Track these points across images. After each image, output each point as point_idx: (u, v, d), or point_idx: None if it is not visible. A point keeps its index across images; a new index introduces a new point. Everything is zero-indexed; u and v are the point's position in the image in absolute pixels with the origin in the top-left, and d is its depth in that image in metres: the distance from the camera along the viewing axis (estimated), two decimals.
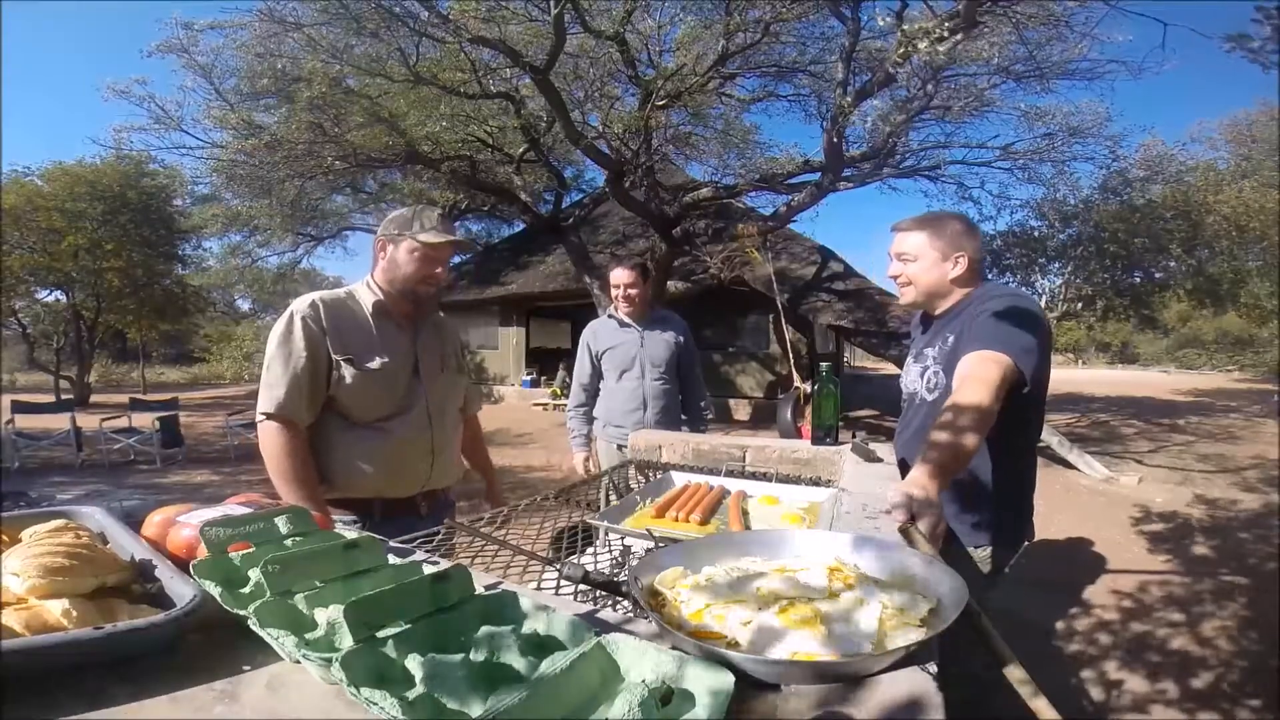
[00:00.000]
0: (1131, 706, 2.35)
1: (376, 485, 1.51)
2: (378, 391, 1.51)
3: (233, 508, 0.82)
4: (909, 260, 1.55)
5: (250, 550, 0.69)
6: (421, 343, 1.61)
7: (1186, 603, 3.31)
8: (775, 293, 7.08)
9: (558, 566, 0.81)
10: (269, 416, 1.43)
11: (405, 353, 1.57)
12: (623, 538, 1.19)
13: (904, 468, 1.54)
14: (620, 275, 2.68)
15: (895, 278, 1.61)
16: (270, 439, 1.43)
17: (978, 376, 1.24)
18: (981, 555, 1.48)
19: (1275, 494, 5.60)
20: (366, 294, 1.58)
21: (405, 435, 1.53)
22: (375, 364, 1.50)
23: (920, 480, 1.01)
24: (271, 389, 1.43)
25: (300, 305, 1.49)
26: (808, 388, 1.84)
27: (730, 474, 1.61)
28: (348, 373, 1.47)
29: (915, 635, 0.61)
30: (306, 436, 1.48)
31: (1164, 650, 2.78)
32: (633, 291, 2.67)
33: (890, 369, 13.64)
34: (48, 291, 14.95)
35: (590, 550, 1.21)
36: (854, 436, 1.79)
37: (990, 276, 11.90)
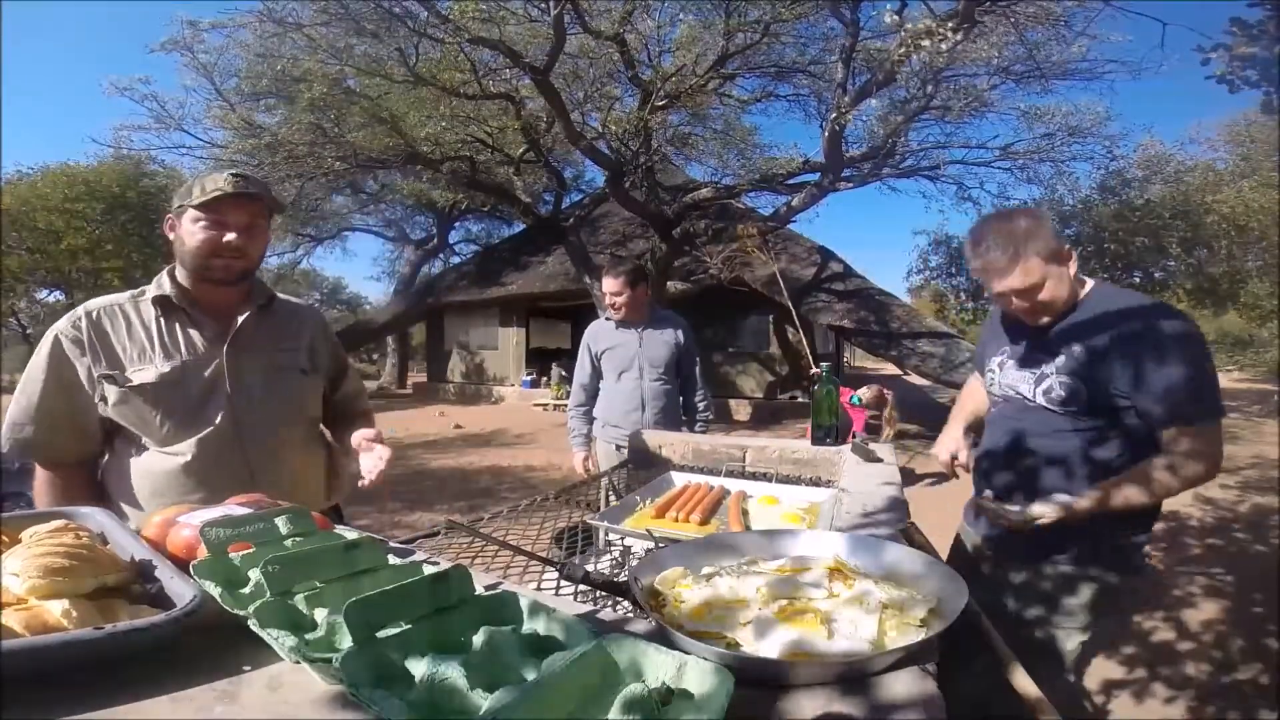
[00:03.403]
0: (1133, 705, 2.35)
1: None
2: (149, 408, 1.23)
3: (233, 508, 0.82)
4: (1035, 291, 1.34)
5: (250, 550, 0.69)
6: (238, 339, 1.31)
7: (1187, 602, 3.31)
8: (779, 293, 7.09)
9: (558, 566, 0.81)
10: (13, 455, 1.23)
11: (203, 355, 1.28)
12: (623, 538, 1.19)
13: (980, 468, 1.54)
14: (606, 284, 2.67)
15: (1024, 311, 1.40)
16: (36, 482, 1.25)
17: (1198, 460, 1.25)
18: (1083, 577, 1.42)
19: (1275, 494, 5.60)
20: (153, 288, 1.30)
21: (200, 461, 1.24)
22: (146, 376, 1.23)
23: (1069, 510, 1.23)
24: (8, 423, 1.21)
25: (61, 322, 1.25)
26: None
27: (730, 474, 1.61)
28: (110, 392, 1.22)
29: (915, 635, 0.61)
30: (79, 474, 1.28)
31: (1165, 649, 2.78)
32: (618, 299, 2.65)
33: (890, 369, 13.61)
34: (47, 292, 14.97)
35: (590, 550, 1.21)
36: (853, 437, 1.79)
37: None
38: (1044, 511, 1.32)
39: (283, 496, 1.25)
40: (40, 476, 1.25)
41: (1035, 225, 1.34)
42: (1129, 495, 1.28)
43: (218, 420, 1.27)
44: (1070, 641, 1.41)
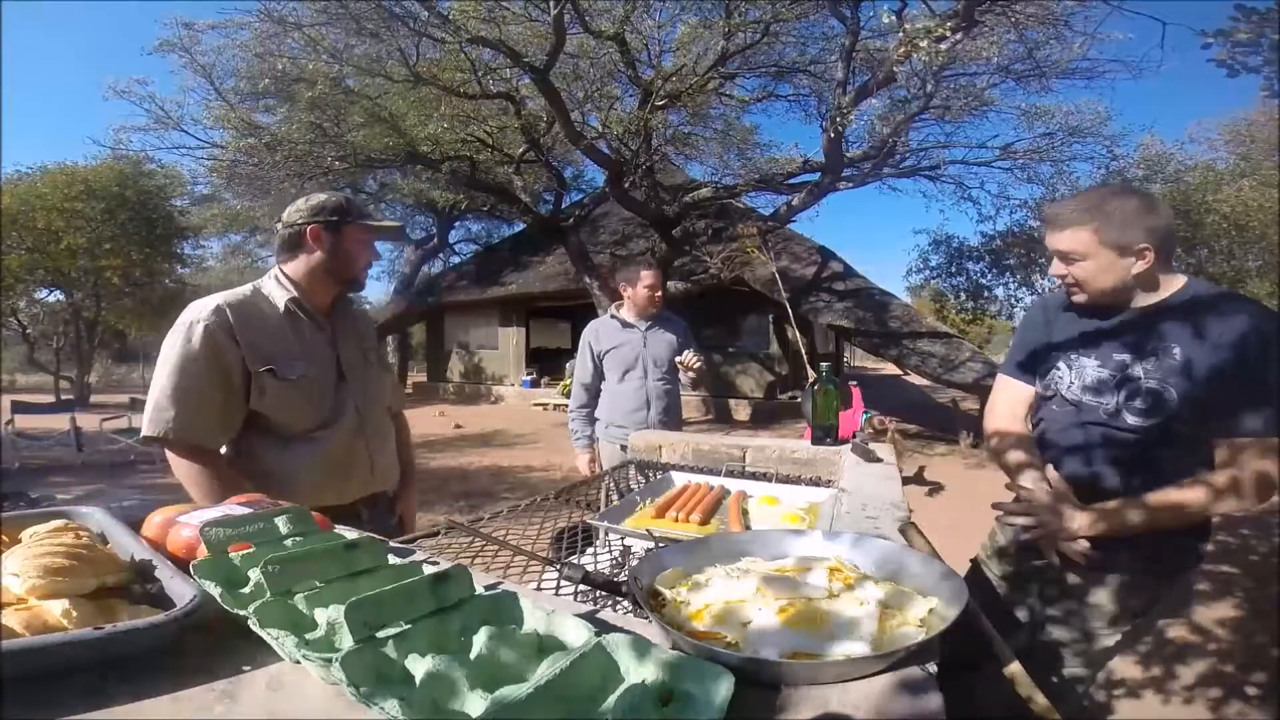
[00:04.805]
0: (1132, 704, 2.35)
1: (317, 497, 1.32)
2: (304, 401, 1.36)
3: (233, 508, 0.81)
4: (1075, 260, 1.27)
5: (250, 550, 0.68)
6: (340, 340, 1.47)
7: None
8: (778, 293, 7.09)
9: (558, 566, 0.81)
10: (164, 442, 1.26)
11: (326, 353, 1.43)
12: (623, 538, 1.19)
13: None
14: (648, 277, 2.73)
15: (1060, 278, 1.33)
16: (182, 469, 1.28)
17: (1260, 473, 1.16)
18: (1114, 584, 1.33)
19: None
20: (277, 290, 1.40)
21: (340, 443, 1.40)
22: (299, 371, 1.35)
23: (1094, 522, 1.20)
24: (162, 410, 1.25)
25: (203, 311, 1.29)
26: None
27: (730, 474, 1.61)
28: (270, 385, 1.31)
29: (915, 635, 0.61)
30: (221, 457, 1.34)
31: (1164, 645, 2.78)
32: (657, 295, 2.74)
33: (890, 369, 13.60)
34: (47, 291, 14.96)
35: (590, 550, 1.21)
36: (853, 437, 1.79)
37: (987, 275, 11.67)
38: (1081, 526, 1.22)
39: (385, 478, 1.54)
40: (185, 465, 1.28)
41: (1125, 211, 1.22)
42: (1192, 505, 1.19)
43: (348, 412, 1.43)
44: (1097, 644, 1.34)
